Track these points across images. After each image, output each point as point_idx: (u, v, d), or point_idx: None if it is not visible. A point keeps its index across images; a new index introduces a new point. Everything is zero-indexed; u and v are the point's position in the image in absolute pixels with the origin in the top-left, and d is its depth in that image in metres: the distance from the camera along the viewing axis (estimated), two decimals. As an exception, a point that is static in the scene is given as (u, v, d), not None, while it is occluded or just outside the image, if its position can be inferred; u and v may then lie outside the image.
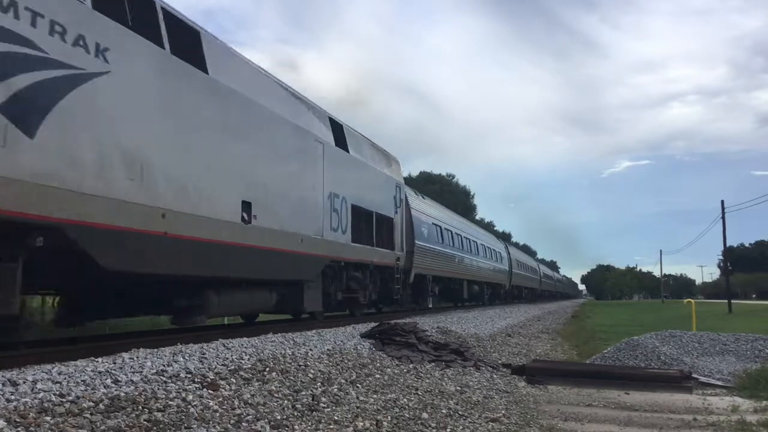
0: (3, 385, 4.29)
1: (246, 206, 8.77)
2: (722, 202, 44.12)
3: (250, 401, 5.06)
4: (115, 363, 5.43)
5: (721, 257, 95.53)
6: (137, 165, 6.72)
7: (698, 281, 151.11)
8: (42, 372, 4.84)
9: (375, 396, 6.23)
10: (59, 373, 4.81)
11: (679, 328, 14.83)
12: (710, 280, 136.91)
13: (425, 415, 5.73)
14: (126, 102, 6.66)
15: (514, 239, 70.00)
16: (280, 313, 11.91)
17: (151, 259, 6.99)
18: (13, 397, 4.03)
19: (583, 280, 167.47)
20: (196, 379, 5.24)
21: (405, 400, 6.26)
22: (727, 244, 46.04)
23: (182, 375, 5.25)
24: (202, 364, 5.77)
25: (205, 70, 8.08)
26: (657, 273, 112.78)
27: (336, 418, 5.18)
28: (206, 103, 8.05)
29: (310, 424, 4.92)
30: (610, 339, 16.12)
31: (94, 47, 6.25)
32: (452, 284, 23.29)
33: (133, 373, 5.08)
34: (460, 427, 5.56)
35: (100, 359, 5.59)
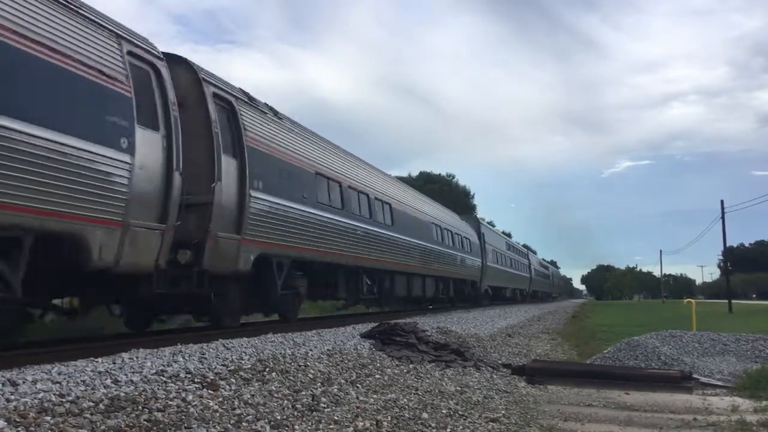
0: (3, 385, 4.29)
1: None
2: (722, 202, 44.17)
3: (250, 401, 5.06)
4: (114, 363, 5.43)
5: (721, 257, 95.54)
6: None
7: (698, 281, 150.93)
8: (42, 372, 4.85)
9: (375, 396, 6.23)
10: (59, 373, 4.81)
11: (680, 328, 14.84)
12: (710, 280, 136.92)
13: (425, 415, 5.72)
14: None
15: (513, 239, 66.48)
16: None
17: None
18: (13, 397, 4.03)
19: (584, 280, 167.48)
20: (196, 379, 5.24)
21: (405, 400, 6.26)
22: (727, 244, 46.19)
23: (182, 375, 5.25)
24: (202, 364, 5.78)
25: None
26: (657, 273, 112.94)
27: (336, 418, 5.18)
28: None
29: (310, 424, 4.92)
30: (610, 339, 16.12)
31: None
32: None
33: (133, 373, 5.08)
34: (460, 427, 5.56)
35: (100, 359, 5.59)
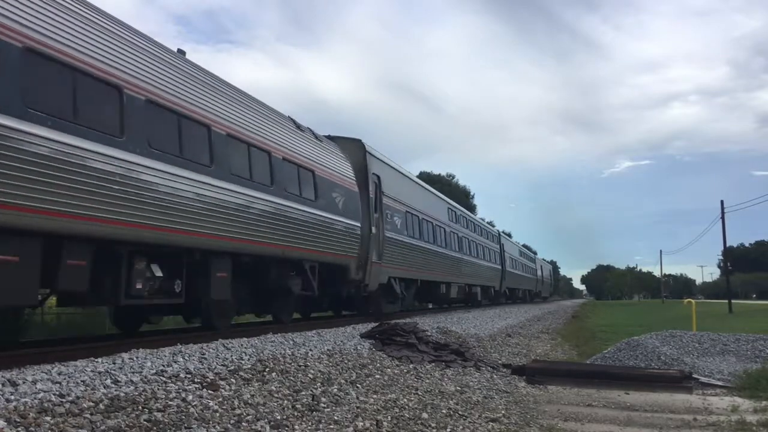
0: (3, 385, 4.29)
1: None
2: (722, 202, 44.14)
3: (250, 401, 5.06)
4: (114, 363, 5.43)
5: (721, 257, 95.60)
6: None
7: (698, 281, 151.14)
8: (42, 372, 4.85)
9: (375, 396, 6.23)
10: (59, 373, 4.81)
11: (680, 328, 14.85)
12: (710, 280, 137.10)
13: (425, 415, 5.72)
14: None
15: (514, 239, 62.45)
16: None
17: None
18: (13, 397, 4.03)
19: (583, 280, 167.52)
20: (195, 380, 5.24)
21: (405, 400, 6.26)
22: (727, 244, 46.12)
23: (182, 375, 5.25)
24: (202, 365, 5.78)
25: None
26: (657, 273, 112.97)
27: (336, 418, 5.18)
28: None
29: (310, 424, 4.92)
30: (610, 339, 16.14)
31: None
32: None
33: (133, 373, 5.09)
34: (460, 427, 5.56)
35: (99, 359, 5.59)
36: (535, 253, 63.75)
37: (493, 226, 42.42)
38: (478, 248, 28.83)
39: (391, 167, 17.37)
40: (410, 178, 19.76)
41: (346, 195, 13.46)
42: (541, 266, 58.63)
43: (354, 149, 14.97)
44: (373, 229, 14.66)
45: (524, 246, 57.77)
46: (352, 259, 13.58)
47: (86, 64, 6.71)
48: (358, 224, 13.85)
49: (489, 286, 31.15)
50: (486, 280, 30.14)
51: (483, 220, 40.17)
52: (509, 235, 58.30)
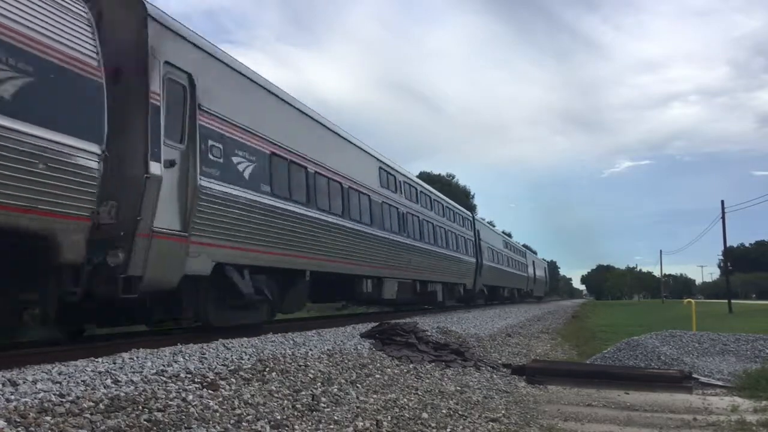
0: (3, 385, 4.29)
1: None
2: (722, 202, 44.17)
3: (250, 401, 5.06)
4: (115, 363, 5.43)
5: (721, 257, 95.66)
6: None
7: (698, 281, 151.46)
8: (42, 372, 4.85)
9: (375, 396, 6.23)
10: (59, 373, 4.81)
11: (680, 328, 14.85)
12: (710, 280, 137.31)
13: (425, 415, 5.73)
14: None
15: (513, 239, 56.46)
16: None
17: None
18: (13, 397, 4.03)
19: (583, 280, 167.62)
20: (196, 379, 5.24)
21: (405, 400, 6.26)
22: (727, 244, 46.10)
23: (182, 375, 5.25)
24: (202, 364, 5.78)
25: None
26: (657, 273, 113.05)
27: (336, 418, 5.18)
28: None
29: (310, 424, 4.92)
30: (610, 339, 16.14)
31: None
32: None
33: (133, 373, 5.09)
34: (460, 427, 5.56)
35: (100, 359, 5.59)
36: (534, 253, 62.89)
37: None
38: (438, 232, 21.61)
39: (232, 68, 9.62)
40: (287, 102, 11.51)
41: (46, 76, 6.11)
42: (534, 262, 51.91)
43: (121, 12, 7.75)
44: (161, 169, 7.50)
45: (524, 246, 56.93)
46: (64, 221, 6.29)
47: None
48: (97, 147, 6.62)
49: (457, 283, 24.22)
50: (452, 276, 23.21)
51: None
52: (509, 235, 54.73)
